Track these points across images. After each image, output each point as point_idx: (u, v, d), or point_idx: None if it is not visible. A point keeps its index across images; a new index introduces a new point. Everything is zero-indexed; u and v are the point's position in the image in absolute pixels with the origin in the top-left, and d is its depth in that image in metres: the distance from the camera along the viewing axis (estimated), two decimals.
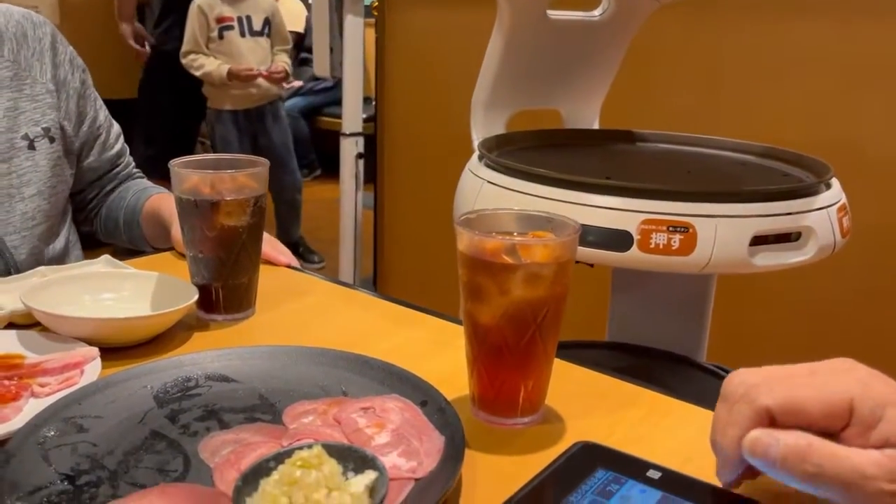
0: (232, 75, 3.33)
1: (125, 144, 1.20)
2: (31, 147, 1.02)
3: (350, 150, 2.81)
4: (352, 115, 2.79)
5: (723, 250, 0.87)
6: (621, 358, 1.23)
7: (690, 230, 0.86)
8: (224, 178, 0.80)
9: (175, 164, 0.79)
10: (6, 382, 0.63)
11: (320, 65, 2.77)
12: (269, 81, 3.46)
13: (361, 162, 2.84)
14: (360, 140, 2.82)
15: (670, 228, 0.87)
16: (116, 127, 1.18)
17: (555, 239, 0.61)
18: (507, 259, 0.59)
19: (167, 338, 0.77)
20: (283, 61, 3.51)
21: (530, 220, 0.64)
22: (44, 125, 1.04)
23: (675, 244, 0.87)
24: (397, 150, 2.67)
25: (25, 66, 1.04)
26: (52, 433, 0.56)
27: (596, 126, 1.40)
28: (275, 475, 0.48)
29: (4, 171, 1.00)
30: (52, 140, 1.04)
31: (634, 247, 0.88)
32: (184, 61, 3.32)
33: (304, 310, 0.89)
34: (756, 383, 0.47)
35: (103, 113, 1.15)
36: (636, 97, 1.79)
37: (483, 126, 1.23)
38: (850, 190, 1.05)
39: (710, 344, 1.33)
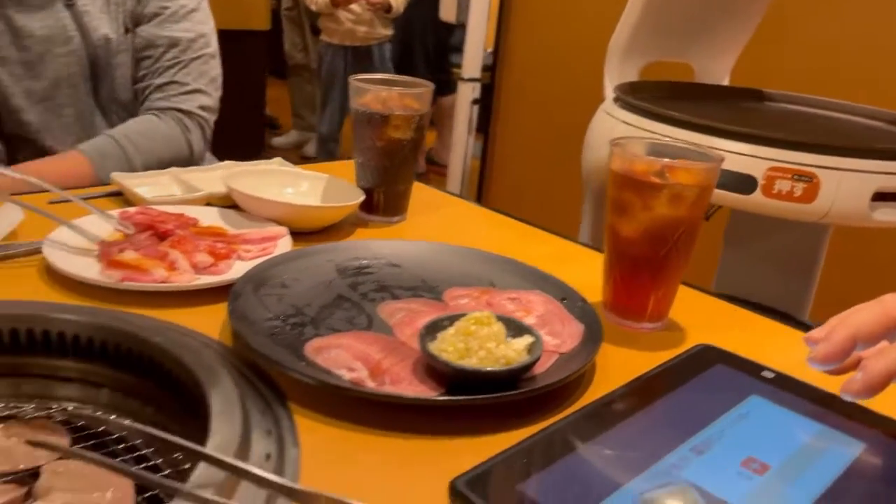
0: (335, 2, 3.49)
1: (201, 53, 1.22)
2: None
3: (466, 94, 2.90)
4: (472, 60, 2.85)
5: (844, 202, 0.92)
6: None
7: (814, 180, 0.92)
8: (393, 95, 0.90)
9: (354, 80, 0.90)
10: (218, 245, 0.75)
11: (447, 9, 2.86)
12: (368, 7, 3.60)
13: (476, 108, 2.92)
14: (478, 86, 2.89)
15: (795, 177, 0.92)
16: (196, 34, 1.21)
17: (699, 164, 0.69)
18: (655, 179, 0.67)
19: (334, 230, 0.89)
20: None
21: (677, 150, 0.72)
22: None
23: (798, 192, 0.92)
24: (512, 99, 2.73)
25: None
26: (263, 285, 0.68)
27: (726, 83, 1.44)
28: (451, 329, 0.59)
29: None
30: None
31: (758, 191, 0.94)
32: None
33: (446, 220, 0.99)
34: None
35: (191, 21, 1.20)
36: (768, 58, 1.80)
37: (617, 73, 1.29)
38: None
39: (815, 305, 1.37)
